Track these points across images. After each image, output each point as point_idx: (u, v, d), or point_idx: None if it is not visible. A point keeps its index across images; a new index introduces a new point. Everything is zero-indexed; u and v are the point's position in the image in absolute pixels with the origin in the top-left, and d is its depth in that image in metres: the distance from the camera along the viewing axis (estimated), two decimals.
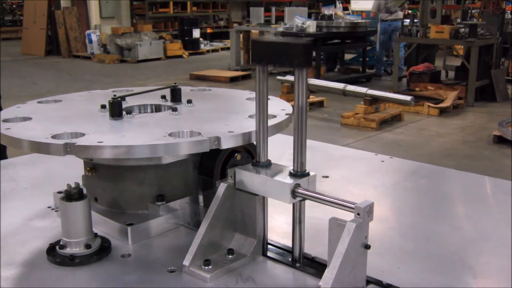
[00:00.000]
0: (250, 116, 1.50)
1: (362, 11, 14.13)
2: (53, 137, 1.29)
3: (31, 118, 1.49)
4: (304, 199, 1.22)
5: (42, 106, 1.69)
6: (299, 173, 1.24)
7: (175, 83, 1.68)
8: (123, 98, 1.54)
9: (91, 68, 14.81)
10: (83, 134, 1.31)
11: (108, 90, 1.86)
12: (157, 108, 1.70)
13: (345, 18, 12.56)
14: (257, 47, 1.25)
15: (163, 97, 1.73)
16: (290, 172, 1.25)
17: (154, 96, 1.76)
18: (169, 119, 1.51)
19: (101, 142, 1.24)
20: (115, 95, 1.51)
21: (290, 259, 1.32)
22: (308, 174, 1.24)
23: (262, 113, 1.27)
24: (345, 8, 13.31)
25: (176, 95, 1.69)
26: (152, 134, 1.33)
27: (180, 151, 1.27)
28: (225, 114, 1.59)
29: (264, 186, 1.26)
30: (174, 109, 1.55)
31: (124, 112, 1.50)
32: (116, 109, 1.48)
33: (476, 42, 9.32)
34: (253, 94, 1.81)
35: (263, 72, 1.27)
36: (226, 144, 1.31)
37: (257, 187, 1.28)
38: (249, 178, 1.28)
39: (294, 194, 1.20)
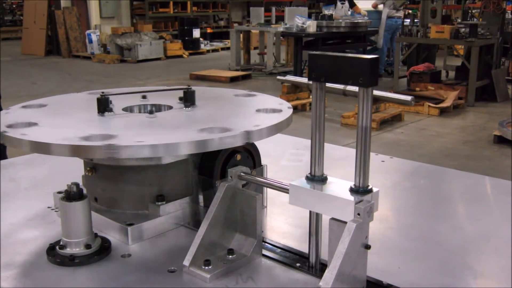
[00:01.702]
0: (258, 111, 1.51)
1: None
2: (86, 139, 1.25)
3: (36, 124, 1.45)
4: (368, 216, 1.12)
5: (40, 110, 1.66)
6: (361, 189, 1.15)
7: (188, 86, 1.63)
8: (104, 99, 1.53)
9: (91, 68, 14.82)
10: (111, 136, 1.28)
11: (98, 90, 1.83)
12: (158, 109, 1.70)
13: (366, 14, 12.56)
14: (315, 61, 1.13)
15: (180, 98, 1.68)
16: (351, 188, 1.16)
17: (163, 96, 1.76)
18: (182, 117, 1.51)
19: (141, 141, 1.22)
20: (103, 93, 1.53)
21: (289, 259, 1.32)
22: (371, 191, 1.14)
23: (318, 128, 1.19)
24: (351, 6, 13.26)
25: (188, 98, 1.62)
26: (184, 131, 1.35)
27: (232, 143, 1.28)
28: (225, 113, 1.59)
29: (323, 203, 1.15)
30: (151, 112, 1.53)
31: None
32: (102, 106, 1.52)
33: (477, 42, 9.32)
34: (253, 93, 1.81)
35: (321, 90, 1.17)
36: (256, 138, 1.32)
37: (314, 204, 1.17)
38: (305, 194, 1.18)
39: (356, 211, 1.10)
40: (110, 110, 1.54)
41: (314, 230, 1.25)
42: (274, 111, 1.53)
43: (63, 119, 1.52)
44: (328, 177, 1.22)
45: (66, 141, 1.24)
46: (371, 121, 1.13)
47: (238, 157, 1.48)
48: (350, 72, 1.08)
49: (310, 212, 1.24)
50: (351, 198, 1.11)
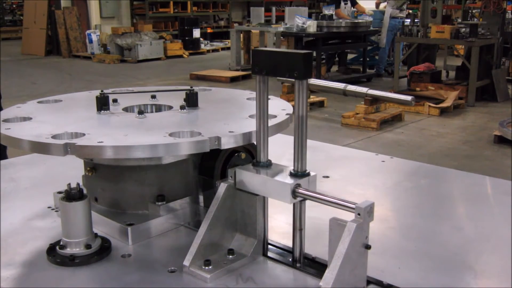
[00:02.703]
0: (251, 116, 1.49)
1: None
2: (53, 137, 1.29)
3: (31, 118, 1.49)
4: (305, 199, 1.22)
5: (43, 106, 1.69)
6: (299, 173, 1.24)
7: (191, 87, 1.63)
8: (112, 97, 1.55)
9: (91, 68, 14.82)
10: (83, 134, 1.31)
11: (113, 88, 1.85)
12: (158, 108, 1.70)
13: (372, 13, 12.55)
14: (257, 56, 1.23)
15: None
16: (290, 172, 1.25)
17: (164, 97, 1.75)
18: (171, 119, 1.51)
19: (101, 142, 1.24)
20: (101, 91, 1.55)
21: (290, 259, 1.32)
22: (308, 174, 1.24)
23: (262, 118, 1.27)
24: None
25: (190, 100, 1.62)
26: (152, 134, 1.33)
27: (180, 151, 1.27)
28: (225, 115, 1.59)
29: (265, 186, 1.26)
30: (140, 112, 1.53)
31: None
32: (99, 105, 1.55)
33: (477, 42, 9.31)
34: (253, 94, 1.81)
35: (263, 83, 1.26)
36: (227, 144, 1.31)
37: (257, 187, 1.27)
38: (249, 178, 1.28)
39: (294, 194, 1.20)
40: (107, 109, 1.55)
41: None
42: (269, 116, 1.50)
43: (59, 116, 1.55)
44: (273, 162, 1.30)
45: (34, 138, 1.28)
46: (307, 110, 1.22)
47: (243, 155, 1.49)
48: (287, 66, 1.18)
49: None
50: (290, 181, 1.21)
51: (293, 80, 1.19)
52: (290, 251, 1.35)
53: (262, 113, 1.27)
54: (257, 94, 1.27)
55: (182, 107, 1.58)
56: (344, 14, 12.66)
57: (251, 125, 1.38)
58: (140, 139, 1.27)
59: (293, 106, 1.22)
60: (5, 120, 1.46)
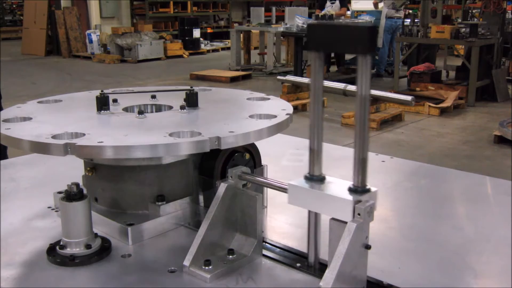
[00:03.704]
0: (251, 116, 1.49)
1: (362, 11, 14.11)
2: (54, 137, 1.29)
3: (31, 118, 1.49)
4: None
5: (43, 106, 1.69)
6: (359, 189, 1.14)
7: (191, 87, 1.61)
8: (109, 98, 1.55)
9: (91, 68, 14.82)
10: (84, 134, 1.31)
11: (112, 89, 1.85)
12: (158, 109, 1.70)
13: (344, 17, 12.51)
14: (314, 31, 1.12)
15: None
16: (349, 188, 1.15)
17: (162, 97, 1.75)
18: (171, 119, 1.51)
19: (101, 142, 1.24)
20: (101, 91, 1.55)
21: (288, 259, 1.32)
22: (369, 190, 1.14)
23: (317, 105, 1.17)
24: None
25: (190, 100, 1.60)
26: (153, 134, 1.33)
27: (180, 151, 1.27)
28: (225, 115, 1.58)
29: (322, 203, 1.15)
30: (140, 112, 1.53)
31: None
32: (99, 105, 1.55)
33: (477, 42, 9.31)
34: (254, 94, 1.81)
35: (320, 60, 1.14)
36: (226, 144, 1.30)
37: (312, 203, 1.17)
38: (303, 193, 1.17)
39: (355, 211, 1.10)
40: (107, 109, 1.55)
41: (313, 230, 1.25)
42: (268, 116, 1.50)
43: (59, 116, 1.55)
44: (327, 176, 1.22)
45: (34, 138, 1.28)
46: (370, 91, 1.11)
47: (247, 156, 1.49)
48: (349, 41, 1.08)
49: (309, 212, 1.24)
50: (350, 197, 1.11)
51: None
52: (290, 251, 1.35)
53: (317, 98, 1.16)
54: (313, 74, 1.16)
55: (182, 107, 1.57)
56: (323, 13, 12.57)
57: (251, 125, 1.38)
58: (140, 139, 1.27)
59: (356, 85, 1.11)
60: (5, 120, 1.46)
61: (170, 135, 1.30)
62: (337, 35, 1.10)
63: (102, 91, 1.60)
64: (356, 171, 1.14)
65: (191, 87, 1.63)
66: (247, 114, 1.53)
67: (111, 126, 1.47)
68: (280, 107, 1.60)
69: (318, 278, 1.16)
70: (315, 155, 1.21)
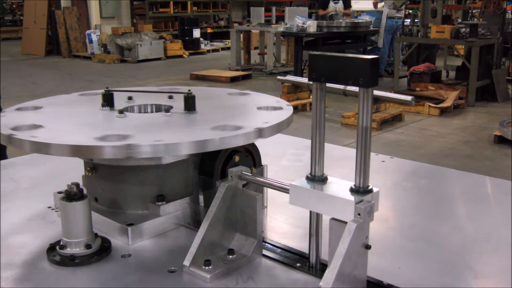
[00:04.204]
0: (259, 108, 1.51)
1: (362, 11, 14.11)
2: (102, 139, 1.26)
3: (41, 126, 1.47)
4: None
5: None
6: (361, 189, 1.15)
7: (189, 90, 1.57)
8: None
9: (91, 68, 14.82)
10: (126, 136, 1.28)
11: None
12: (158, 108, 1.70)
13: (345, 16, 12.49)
14: (315, 61, 1.13)
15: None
16: (351, 188, 1.16)
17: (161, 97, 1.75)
18: (170, 119, 1.51)
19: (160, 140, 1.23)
20: (107, 87, 1.55)
21: (288, 259, 1.32)
22: (371, 191, 1.14)
23: (319, 129, 1.19)
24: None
25: (188, 103, 1.56)
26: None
27: (181, 151, 1.26)
28: (225, 115, 1.58)
29: (323, 203, 1.16)
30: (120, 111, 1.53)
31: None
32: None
33: (477, 42, 9.31)
34: (248, 93, 1.81)
35: (321, 90, 1.17)
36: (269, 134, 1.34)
37: (314, 204, 1.18)
38: (305, 194, 1.18)
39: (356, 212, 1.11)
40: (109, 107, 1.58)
41: (314, 230, 1.25)
42: (275, 108, 1.52)
43: (63, 122, 1.54)
44: (329, 177, 1.22)
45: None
46: (371, 121, 1.12)
47: (237, 158, 1.49)
48: (350, 73, 1.08)
49: (310, 212, 1.24)
50: (351, 198, 1.11)
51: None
52: (290, 251, 1.35)
53: (319, 124, 1.18)
54: (314, 103, 1.17)
55: (166, 109, 1.59)
56: (328, 10, 12.56)
57: (251, 125, 1.38)
58: (142, 139, 1.27)
59: (357, 117, 1.11)
60: (14, 128, 1.42)
61: (171, 134, 1.30)
62: (339, 66, 1.10)
63: (107, 87, 1.62)
64: (358, 171, 1.15)
65: (189, 90, 1.59)
66: (253, 107, 1.55)
67: (111, 126, 1.46)
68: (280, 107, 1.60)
69: (319, 278, 1.16)
70: (316, 155, 1.21)
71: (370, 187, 1.15)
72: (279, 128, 1.41)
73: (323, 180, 1.20)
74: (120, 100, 1.65)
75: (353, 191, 1.15)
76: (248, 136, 1.32)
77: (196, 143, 1.24)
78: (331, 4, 12.76)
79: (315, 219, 1.25)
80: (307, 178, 1.21)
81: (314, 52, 1.16)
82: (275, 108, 1.56)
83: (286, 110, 1.55)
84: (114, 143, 1.22)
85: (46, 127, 1.39)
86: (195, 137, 1.26)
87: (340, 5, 12.73)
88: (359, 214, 1.09)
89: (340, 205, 1.12)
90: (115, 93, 1.61)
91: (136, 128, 1.38)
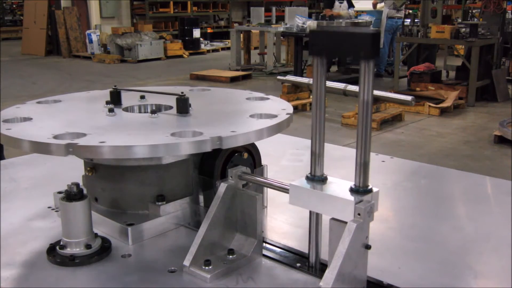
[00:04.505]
0: (251, 116, 1.49)
1: (362, 11, 14.11)
2: (55, 137, 1.28)
3: (31, 119, 1.49)
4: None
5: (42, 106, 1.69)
6: (361, 189, 1.14)
7: (182, 92, 1.56)
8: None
9: (91, 68, 14.82)
10: (84, 134, 1.30)
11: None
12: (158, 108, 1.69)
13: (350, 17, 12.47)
14: (316, 37, 1.13)
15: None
16: (351, 188, 1.16)
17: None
18: (174, 120, 1.51)
19: (103, 142, 1.24)
20: (115, 85, 1.57)
21: (288, 259, 1.32)
22: (371, 191, 1.14)
23: (319, 110, 1.17)
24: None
25: (181, 106, 1.55)
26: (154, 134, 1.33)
27: (181, 151, 1.26)
28: (226, 114, 1.58)
29: (323, 203, 1.16)
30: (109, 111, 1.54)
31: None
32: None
33: (477, 42, 9.31)
34: (253, 94, 1.81)
35: (322, 66, 1.15)
36: (228, 144, 1.29)
37: (314, 204, 1.18)
38: (305, 194, 1.18)
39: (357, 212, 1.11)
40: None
41: (314, 230, 1.25)
42: (269, 116, 1.52)
43: (59, 116, 1.54)
44: (328, 177, 1.22)
45: (35, 138, 1.28)
46: (372, 95, 1.11)
47: (245, 155, 1.49)
48: (351, 46, 1.09)
49: (310, 212, 1.24)
50: (351, 198, 1.11)
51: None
52: (290, 251, 1.35)
53: (319, 101, 1.16)
54: (315, 79, 1.16)
55: (153, 112, 1.58)
56: (334, 11, 12.56)
57: (251, 125, 1.38)
58: (142, 139, 1.27)
59: (359, 90, 1.11)
60: (5, 121, 1.45)
61: (172, 135, 1.30)
62: (340, 41, 1.10)
63: (115, 85, 1.64)
64: (358, 171, 1.14)
65: (182, 93, 1.58)
66: (247, 114, 1.52)
67: (112, 126, 1.46)
68: (280, 107, 1.60)
69: (318, 278, 1.16)
70: (316, 156, 1.20)
71: (370, 187, 1.14)
72: (246, 139, 1.34)
73: (323, 180, 1.20)
74: (131, 99, 1.69)
75: (353, 191, 1.14)
76: (193, 146, 1.25)
77: (119, 148, 1.22)
78: (336, 3, 12.76)
79: (315, 219, 1.25)
80: (307, 178, 1.21)
81: (315, 28, 1.16)
82: (270, 116, 1.49)
83: (279, 119, 1.47)
84: (60, 141, 1.24)
85: (33, 121, 1.44)
86: (128, 142, 1.24)
87: (344, 6, 12.73)
88: (359, 214, 1.09)
89: (340, 205, 1.12)
90: (129, 92, 1.67)
91: (103, 127, 1.39)
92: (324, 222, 1.22)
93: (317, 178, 1.20)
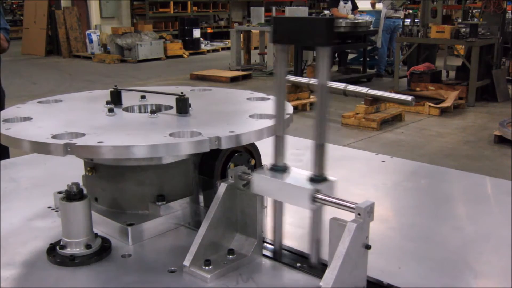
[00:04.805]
0: (251, 116, 1.49)
1: (362, 11, 14.12)
2: (54, 137, 1.29)
3: (31, 118, 1.49)
4: (323, 205, 1.18)
5: (43, 106, 1.69)
6: (318, 178, 1.20)
7: (181, 93, 1.56)
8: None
9: (91, 68, 14.82)
10: (83, 134, 1.31)
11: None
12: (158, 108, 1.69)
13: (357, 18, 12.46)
14: (279, 24, 1.18)
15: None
16: (309, 177, 1.21)
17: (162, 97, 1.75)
18: (173, 120, 1.51)
19: (101, 142, 1.24)
20: (115, 85, 1.57)
21: (290, 259, 1.32)
22: (327, 179, 1.20)
23: (281, 93, 1.23)
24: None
25: (181, 106, 1.55)
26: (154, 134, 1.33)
27: (180, 151, 1.27)
28: (225, 114, 1.58)
29: (283, 191, 1.22)
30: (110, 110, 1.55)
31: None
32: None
33: (477, 42, 9.31)
34: (254, 94, 1.81)
35: (284, 52, 1.21)
36: (226, 144, 1.30)
37: (275, 192, 1.24)
38: (266, 183, 1.24)
39: (313, 199, 1.16)
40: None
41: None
42: (269, 116, 1.51)
43: (59, 116, 1.54)
44: (291, 167, 1.27)
45: (34, 138, 1.29)
46: (329, 80, 1.19)
47: (252, 161, 1.49)
48: (309, 33, 1.15)
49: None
50: (309, 186, 1.17)
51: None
52: (290, 251, 1.35)
53: (281, 85, 1.22)
54: (277, 65, 1.21)
55: (153, 111, 1.59)
56: (341, 13, 12.59)
57: (251, 125, 1.38)
58: (141, 139, 1.27)
59: (316, 75, 1.18)
60: (5, 120, 1.45)
61: (171, 135, 1.30)
62: (299, 28, 1.16)
63: (115, 85, 1.64)
64: (314, 160, 1.20)
65: (181, 93, 1.58)
66: (247, 114, 1.52)
67: (112, 126, 1.46)
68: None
69: (318, 278, 1.16)
70: (279, 145, 1.26)
71: (326, 176, 1.20)
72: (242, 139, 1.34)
73: (284, 169, 1.26)
74: (132, 99, 1.70)
75: (311, 180, 1.20)
76: (190, 146, 1.26)
77: (119, 148, 1.22)
78: (341, 4, 12.76)
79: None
80: (270, 168, 1.28)
81: (278, 16, 1.20)
82: (270, 116, 1.48)
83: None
84: (59, 141, 1.24)
85: (33, 121, 1.44)
86: (128, 142, 1.24)
87: (348, 6, 12.74)
88: (359, 214, 1.09)
89: (298, 193, 1.18)
90: (129, 92, 1.68)
91: (102, 127, 1.39)
92: (324, 222, 1.22)
93: (278, 168, 1.26)
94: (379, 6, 13.16)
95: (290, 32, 1.18)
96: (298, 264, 1.30)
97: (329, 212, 1.19)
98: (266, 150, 1.66)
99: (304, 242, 1.30)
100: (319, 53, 1.14)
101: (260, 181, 1.25)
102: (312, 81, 6.74)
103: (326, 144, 1.21)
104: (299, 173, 1.25)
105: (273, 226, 1.32)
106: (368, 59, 12.62)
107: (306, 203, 1.17)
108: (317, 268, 1.27)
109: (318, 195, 1.16)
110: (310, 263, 1.28)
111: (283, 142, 1.27)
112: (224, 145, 1.29)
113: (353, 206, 1.10)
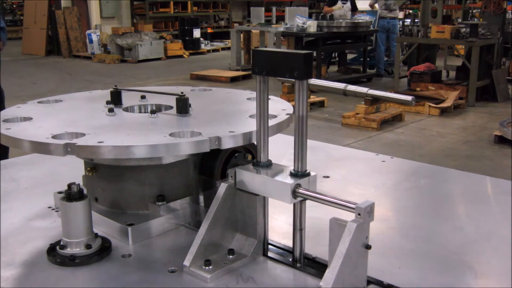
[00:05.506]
0: (251, 116, 1.49)
1: (362, 11, 14.11)
2: (54, 137, 1.29)
3: (31, 118, 1.49)
4: (305, 199, 1.22)
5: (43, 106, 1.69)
6: (299, 173, 1.24)
7: (181, 93, 1.56)
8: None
9: (91, 68, 14.82)
10: (84, 134, 1.31)
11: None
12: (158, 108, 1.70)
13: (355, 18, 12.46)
14: (257, 56, 1.24)
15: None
16: (291, 172, 1.25)
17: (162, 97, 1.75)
18: (173, 120, 1.51)
19: (102, 142, 1.24)
20: (115, 85, 1.58)
21: (290, 259, 1.32)
22: (308, 174, 1.24)
23: (262, 118, 1.27)
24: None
25: (181, 106, 1.54)
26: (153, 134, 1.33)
27: (180, 151, 1.27)
28: (225, 114, 1.59)
29: (265, 186, 1.26)
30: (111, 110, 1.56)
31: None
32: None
33: (477, 42, 9.31)
34: (253, 94, 1.81)
35: (264, 83, 1.27)
36: (227, 144, 1.30)
37: (257, 187, 1.27)
38: (249, 178, 1.28)
39: (295, 194, 1.20)
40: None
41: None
42: (269, 116, 1.52)
43: (59, 116, 1.54)
44: (274, 163, 1.30)
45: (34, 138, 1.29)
46: (307, 111, 1.22)
47: (249, 157, 1.49)
48: (287, 66, 1.18)
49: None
50: (290, 181, 1.21)
51: (294, 80, 1.19)
52: (290, 251, 1.35)
53: (262, 113, 1.27)
54: (257, 94, 1.27)
55: (153, 112, 1.59)
56: (334, 10, 12.55)
57: (251, 125, 1.38)
58: (141, 139, 1.27)
59: (293, 106, 1.22)
60: (5, 120, 1.46)
61: (171, 135, 1.30)
62: (278, 61, 1.20)
63: (116, 85, 1.65)
64: (296, 157, 1.24)
65: (182, 93, 1.58)
66: (247, 114, 1.53)
67: (112, 126, 1.47)
68: (280, 107, 1.60)
69: (318, 278, 1.16)
70: (262, 143, 1.29)
71: (307, 171, 1.24)
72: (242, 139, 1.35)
73: (267, 165, 1.30)
74: (132, 99, 1.70)
75: (292, 175, 1.24)
76: (189, 146, 1.26)
77: (118, 147, 1.23)
78: (339, 3, 12.76)
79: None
80: (253, 164, 1.31)
81: (257, 48, 1.23)
82: (270, 116, 1.46)
83: (279, 119, 1.48)
84: (59, 141, 1.25)
85: (33, 121, 1.44)
86: (126, 142, 1.25)
87: (347, 6, 12.74)
88: (359, 214, 1.09)
89: (279, 187, 1.22)
90: (130, 92, 1.69)
91: (102, 127, 1.39)
92: (324, 222, 1.22)
93: (262, 164, 1.30)
94: (377, 7, 13.17)
95: (269, 64, 1.21)
96: (298, 264, 1.29)
97: (329, 212, 1.20)
98: None
99: (305, 242, 1.30)
100: (297, 86, 1.18)
101: (243, 177, 1.29)
102: (312, 81, 6.74)
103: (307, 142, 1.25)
104: (282, 169, 1.28)
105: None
106: (368, 59, 12.63)
107: (287, 198, 1.20)
108: (300, 262, 1.29)
109: (299, 190, 1.20)
110: (294, 257, 1.30)
111: (267, 140, 1.30)
112: (224, 145, 1.29)
113: (353, 206, 1.11)
